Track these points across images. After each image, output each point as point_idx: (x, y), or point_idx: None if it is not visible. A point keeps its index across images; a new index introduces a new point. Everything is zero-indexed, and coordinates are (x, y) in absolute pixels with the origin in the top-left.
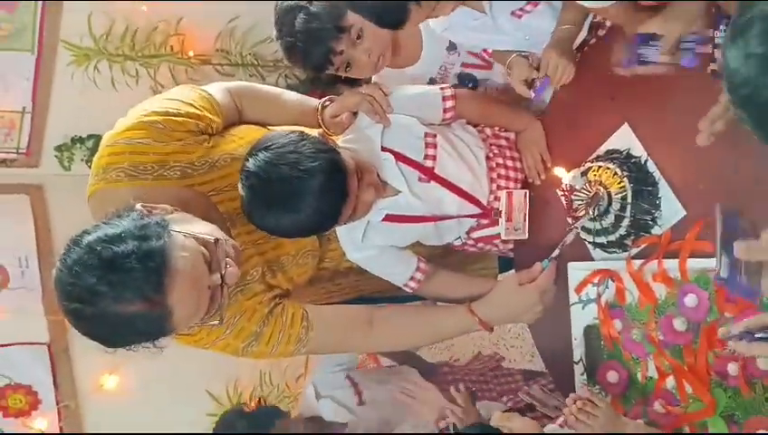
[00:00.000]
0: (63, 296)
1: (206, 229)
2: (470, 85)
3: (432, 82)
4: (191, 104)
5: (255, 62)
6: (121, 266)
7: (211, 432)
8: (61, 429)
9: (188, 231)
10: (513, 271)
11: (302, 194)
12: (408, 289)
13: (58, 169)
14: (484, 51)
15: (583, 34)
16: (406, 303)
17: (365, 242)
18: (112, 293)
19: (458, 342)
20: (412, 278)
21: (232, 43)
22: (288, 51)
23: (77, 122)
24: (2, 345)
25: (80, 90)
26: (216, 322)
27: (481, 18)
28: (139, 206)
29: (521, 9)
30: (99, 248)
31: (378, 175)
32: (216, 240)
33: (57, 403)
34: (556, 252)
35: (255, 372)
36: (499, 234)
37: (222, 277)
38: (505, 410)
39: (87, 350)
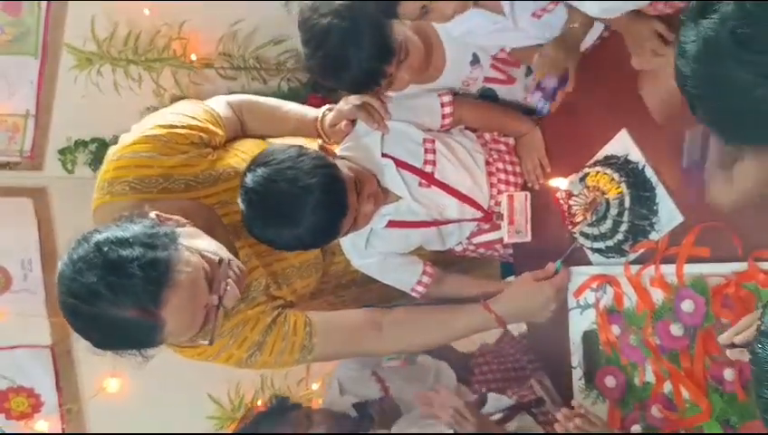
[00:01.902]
0: (63, 290)
1: (213, 247)
2: None
3: None
4: (194, 117)
5: (258, 66)
6: (123, 271)
7: (212, 433)
8: (63, 431)
9: (195, 247)
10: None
11: (302, 210)
12: (414, 294)
13: (61, 172)
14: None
15: (597, 32)
16: None
17: (369, 249)
18: (110, 295)
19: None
20: (419, 283)
21: (234, 46)
22: (325, 70)
23: (80, 126)
24: (4, 348)
25: (83, 93)
26: (206, 341)
27: (501, 22)
28: (153, 214)
29: (542, 9)
30: (105, 249)
31: (378, 182)
32: (221, 260)
33: (60, 406)
34: (562, 259)
35: (257, 376)
36: (500, 238)
37: (220, 299)
38: (513, 405)
39: (90, 353)
